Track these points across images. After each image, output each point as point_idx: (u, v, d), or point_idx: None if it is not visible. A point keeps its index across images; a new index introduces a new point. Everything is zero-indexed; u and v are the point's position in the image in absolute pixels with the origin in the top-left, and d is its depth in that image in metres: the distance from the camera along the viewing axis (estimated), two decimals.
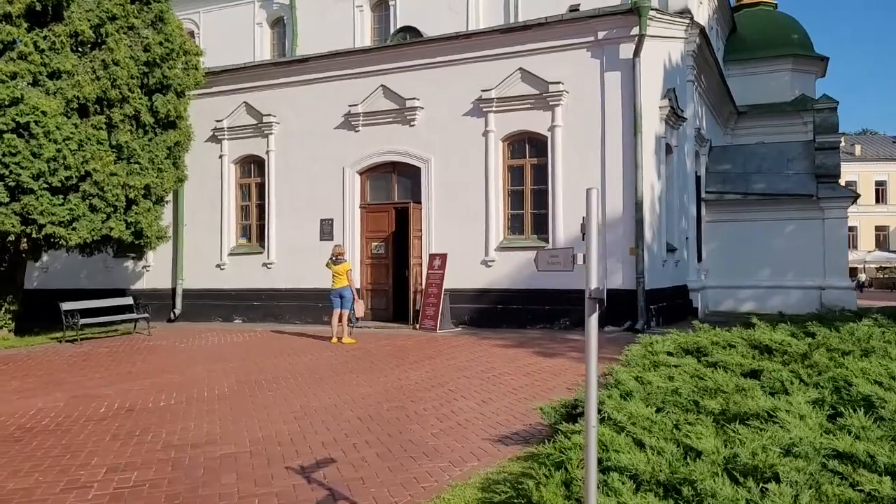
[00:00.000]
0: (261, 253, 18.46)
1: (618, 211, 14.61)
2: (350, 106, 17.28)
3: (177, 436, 6.99)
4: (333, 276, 14.17)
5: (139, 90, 15.40)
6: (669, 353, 7.52)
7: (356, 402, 8.38)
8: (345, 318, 14.03)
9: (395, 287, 17.09)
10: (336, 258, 14.17)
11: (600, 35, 14.77)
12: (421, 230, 16.55)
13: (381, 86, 16.94)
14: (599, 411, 5.16)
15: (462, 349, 12.54)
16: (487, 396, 8.49)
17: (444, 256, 15.75)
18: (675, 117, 16.66)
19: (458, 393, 8.76)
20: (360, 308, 14.10)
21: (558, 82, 15.13)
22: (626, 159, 14.55)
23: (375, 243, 17.06)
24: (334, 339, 14.03)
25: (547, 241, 15.37)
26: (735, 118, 28.08)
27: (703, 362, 7.01)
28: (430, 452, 6.23)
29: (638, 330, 14.03)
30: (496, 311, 15.63)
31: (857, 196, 23.15)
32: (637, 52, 14.37)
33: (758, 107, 28.24)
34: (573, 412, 6.13)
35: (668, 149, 16.68)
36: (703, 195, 21.25)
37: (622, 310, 14.47)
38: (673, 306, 16.48)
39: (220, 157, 19.05)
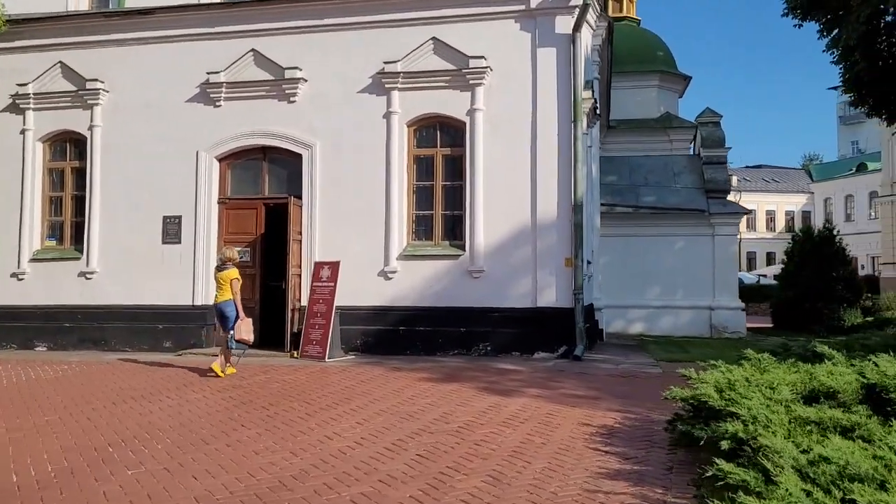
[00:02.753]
0: (77, 259, 14.06)
1: (551, 214, 12.24)
2: (209, 74, 13.58)
3: None
4: (217, 286, 10.57)
5: None
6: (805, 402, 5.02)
7: (281, 486, 5.09)
8: (225, 341, 10.43)
9: (263, 303, 13.53)
10: (223, 263, 10.56)
11: (533, 3, 12.41)
12: (301, 232, 13.19)
13: (252, 50, 13.44)
14: None
15: (379, 386, 9.42)
16: (494, 471, 5.53)
17: (334, 266, 12.50)
18: (593, 113, 14.70)
19: (442, 463, 5.72)
20: (244, 329, 10.48)
21: (480, 57, 12.56)
22: (563, 152, 12.24)
23: (238, 248, 13.34)
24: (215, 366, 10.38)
25: (462, 248, 12.66)
26: (605, 131, 27.22)
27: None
28: None
29: (578, 357, 11.66)
30: (398, 335, 12.62)
31: (748, 212, 22.86)
32: (578, 27, 12.17)
33: (626, 121, 27.63)
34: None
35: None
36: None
37: (556, 331, 12.06)
38: (590, 328, 14.38)
39: (23, 132, 14.43)
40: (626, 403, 8.08)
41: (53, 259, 14.22)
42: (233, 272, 10.48)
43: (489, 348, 12.30)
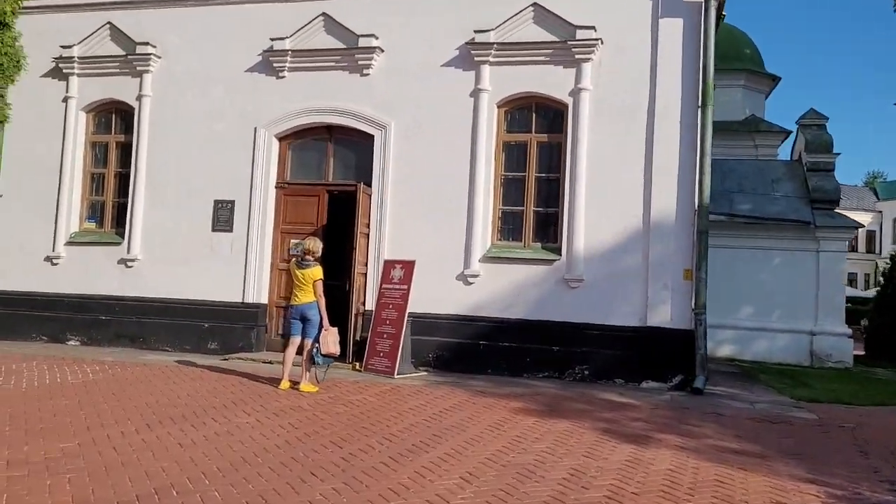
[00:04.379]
0: (118, 244, 12.54)
1: (668, 216, 10.28)
2: (273, 40, 11.93)
3: None
4: (296, 285, 8.90)
5: None
6: None
7: None
8: (305, 352, 8.76)
9: None
10: (303, 257, 8.89)
11: None
12: (370, 225, 11.45)
13: (323, 14, 11.74)
14: None
15: (469, 418, 7.61)
16: None
17: (408, 265, 10.72)
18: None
19: None
20: (331, 340, 8.80)
21: (589, 27, 10.66)
22: (686, 142, 10.28)
23: (296, 241, 11.65)
24: (285, 384, 8.78)
25: (557, 252, 10.78)
26: None
27: None
28: None
29: (698, 390, 9.69)
30: (478, 350, 10.79)
31: (859, 226, 20.52)
32: None
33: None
34: None
35: None
36: None
37: (668, 357, 10.10)
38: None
39: (65, 99, 12.97)
40: (809, 467, 6.12)
41: (92, 243, 12.72)
42: (317, 271, 8.81)
43: (586, 372, 10.39)
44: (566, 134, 10.86)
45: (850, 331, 17.88)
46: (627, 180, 10.48)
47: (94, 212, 13.08)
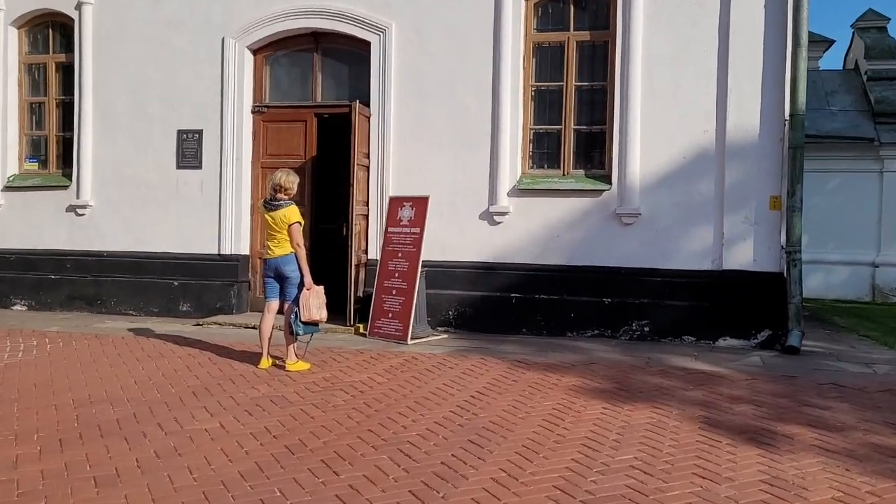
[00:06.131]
0: (65, 187, 10.35)
1: (749, 129, 8.06)
2: None
3: None
4: (268, 233, 6.76)
5: None
6: None
7: None
8: (287, 322, 6.67)
9: (315, 255, 9.70)
10: (273, 197, 6.71)
11: None
12: (370, 155, 9.24)
13: None
14: None
15: (515, 404, 5.58)
16: None
17: (420, 203, 8.57)
18: None
19: None
20: (314, 304, 6.67)
21: None
22: (772, 33, 7.98)
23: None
24: (265, 362, 6.74)
25: (606, 180, 8.59)
26: None
27: None
28: None
29: (794, 349, 7.65)
30: (509, 305, 8.73)
31: None
32: None
33: None
34: None
35: None
36: None
37: (751, 307, 8.03)
38: None
39: None
40: None
41: (35, 187, 10.53)
42: (291, 211, 6.66)
43: (646, 329, 8.34)
44: (614, 29, 8.54)
45: None
46: (695, 86, 8.22)
47: (36, 150, 10.84)
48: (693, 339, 8.19)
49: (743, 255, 8.06)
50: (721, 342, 8.08)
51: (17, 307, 10.40)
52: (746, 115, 8.04)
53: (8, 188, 10.57)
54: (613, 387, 6.22)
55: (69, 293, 10.23)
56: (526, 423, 5.14)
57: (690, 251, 8.25)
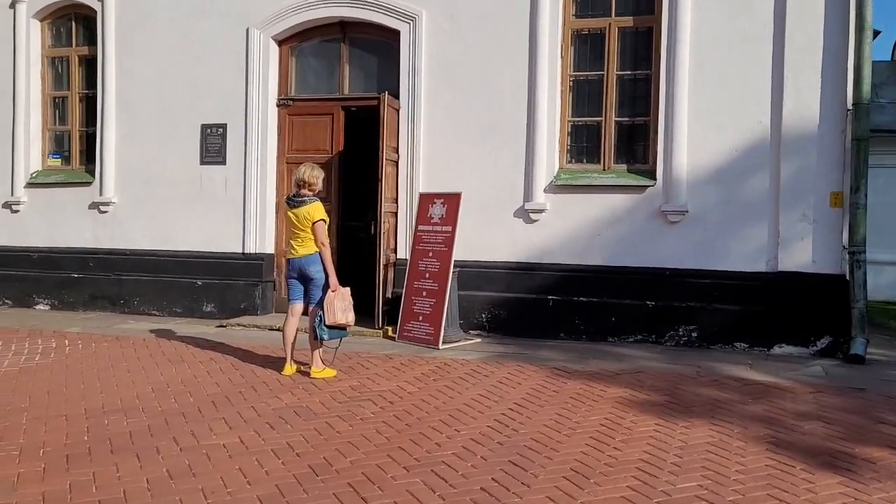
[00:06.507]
0: (88, 184, 10.09)
1: (807, 120, 7.49)
2: None
3: None
4: (291, 232, 6.36)
5: None
6: None
7: None
8: (312, 327, 6.26)
9: (341, 253, 9.34)
10: (297, 193, 6.32)
11: None
12: (399, 150, 8.82)
13: None
14: None
15: (553, 420, 5.12)
16: None
17: (452, 200, 8.13)
18: None
19: None
20: (338, 306, 6.22)
21: None
22: (834, 13, 7.38)
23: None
24: (289, 368, 6.33)
25: (650, 175, 8.06)
26: None
27: None
28: None
29: (859, 358, 7.06)
30: (546, 307, 8.24)
31: None
32: None
33: None
34: None
35: None
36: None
37: (811, 313, 7.45)
38: None
39: (12, 5, 10.33)
40: None
41: (58, 184, 10.29)
42: (316, 208, 6.25)
43: (694, 335, 7.80)
44: (660, 13, 8.00)
45: None
46: (748, 73, 7.66)
47: (59, 145, 10.60)
48: (745, 345, 7.64)
49: (801, 256, 7.49)
50: (776, 349, 7.51)
51: (41, 307, 10.17)
52: (805, 105, 7.46)
53: (31, 185, 10.33)
54: (664, 399, 5.72)
55: (92, 292, 9.96)
56: (572, 442, 4.67)
57: (743, 251, 7.69)
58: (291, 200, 6.34)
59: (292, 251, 6.36)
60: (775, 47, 7.57)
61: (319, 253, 6.24)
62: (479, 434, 4.81)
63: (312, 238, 6.23)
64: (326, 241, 6.28)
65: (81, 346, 7.59)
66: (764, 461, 4.37)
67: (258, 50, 9.31)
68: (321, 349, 6.35)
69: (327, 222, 6.39)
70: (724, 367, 6.84)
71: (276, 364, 6.59)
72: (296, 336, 6.42)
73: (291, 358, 6.39)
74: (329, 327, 6.15)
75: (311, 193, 6.30)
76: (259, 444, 4.58)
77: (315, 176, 6.31)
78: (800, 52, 7.46)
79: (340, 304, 6.17)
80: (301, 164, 6.76)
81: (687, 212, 7.84)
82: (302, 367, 6.46)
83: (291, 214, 6.29)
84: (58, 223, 10.18)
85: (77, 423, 4.98)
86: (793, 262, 7.50)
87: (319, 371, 6.25)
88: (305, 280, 6.30)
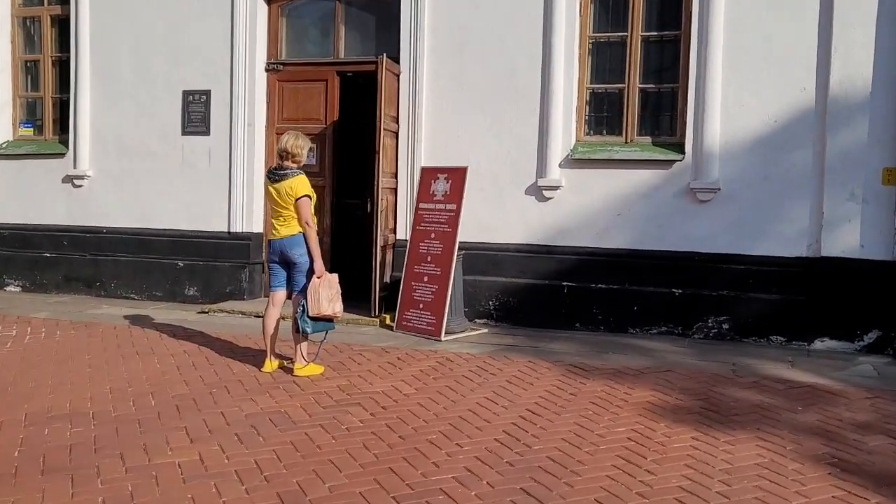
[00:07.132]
0: (61, 155, 9.29)
1: (858, 87, 6.63)
2: None
3: None
4: (274, 209, 5.58)
5: None
6: None
7: None
8: (294, 319, 5.47)
9: (335, 234, 8.56)
10: (279, 166, 5.53)
11: None
12: (399, 119, 7.99)
13: None
14: None
15: (572, 431, 4.36)
16: None
17: (457, 174, 7.32)
18: None
19: None
20: (323, 296, 5.41)
21: None
22: None
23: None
24: (270, 364, 5.57)
25: (678, 149, 7.23)
26: None
27: None
28: None
29: None
30: (560, 295, 7.46)
31: None
32: None
33: None
34: None
35: None
36: None
37: (858, 304, 6.64)
38: None
39: None
40: None
41: (29, 155, 9.49)
42: (300, 182, 5.45)
43: (725, 327, 7.01)
44: None
45: None
46: (791, 34, 6.79)
47: (32, 114, 9.79)
48: (783, 339, 6.84)
49: (847, 240, 6.66)
50: (818, 344, 6.72)
51: (11, 288, 9.43)
52: (856, 71, 6.59)
53: (3, 156, 9.54)
54: (699, 405, 4.95)
55: (66, 273, 9.21)
56: (596, 462, 3.91)
57: (781, 234, 6.87)
58: (273, 174, 5.54)
59: (274, 231, 5.57)
60: (822, 5, 6.69)
61: (304, 234, 5.45)
62: (486, 451, 4.05)
63: (296, 217, 5.43)
64: (312, 220, 5.49)
65: (44, 335, 6.85)
66: (829, 490, 3.60)
67: (245, 9, 8.45)
68: (306, 342, 5.58)
69: (314, 199, 5.59)
70: (763, 365, 6.05)
71: (257, 359, 5.84)
72: (277, 328, 5.65)
73: (272, 353, 5.63)
74: (313, 319, 5.37)
75: (295, 166, 5.51)
76: (221, 462, 3.83)
77: (299, 146, 5.50)
78: (850, 11, 6.57)
79: (326, 293, 5.39)
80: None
81: (719, 189, 7.01)
82: (285, 363, 5.70)
83: (272, 189, 5.50)
84: (29, 197, 9.40)
85: (11, 433, 4.24)
86: (838, 247, 6.67)
87: (303, 368, 5.49)
88: (288, 264, 5.52)
